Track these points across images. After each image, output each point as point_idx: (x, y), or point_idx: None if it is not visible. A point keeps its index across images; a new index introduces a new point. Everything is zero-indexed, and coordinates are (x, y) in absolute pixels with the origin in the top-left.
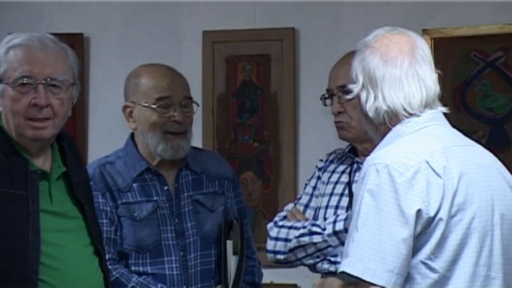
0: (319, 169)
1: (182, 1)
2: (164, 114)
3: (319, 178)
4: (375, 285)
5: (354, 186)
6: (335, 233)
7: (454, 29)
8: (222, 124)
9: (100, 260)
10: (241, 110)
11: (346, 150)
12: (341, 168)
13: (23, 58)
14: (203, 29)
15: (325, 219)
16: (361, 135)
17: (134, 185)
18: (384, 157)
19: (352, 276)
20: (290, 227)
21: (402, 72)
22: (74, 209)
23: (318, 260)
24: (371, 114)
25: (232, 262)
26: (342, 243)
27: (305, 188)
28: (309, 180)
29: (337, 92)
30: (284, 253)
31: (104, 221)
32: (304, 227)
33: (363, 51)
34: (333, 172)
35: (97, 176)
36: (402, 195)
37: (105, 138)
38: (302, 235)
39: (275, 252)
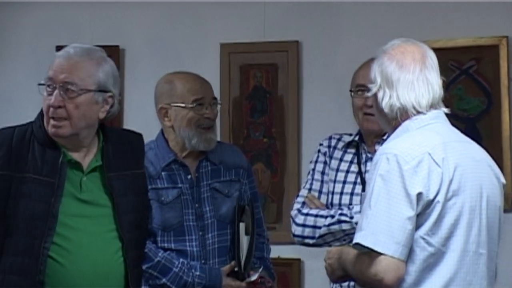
0: (324, 154)
1: (203, 18)
2: (198, 111)
3: (325, 163)
4: (384, 254)
5: (366, 175)
6: None
7: (434, 41)
8: (237, 123)
9: (122, 245)
10: (253, 110)
11: (356, 138)
12: (348, 157)
13: (52, 65)
14: (221, 42)
15: (343, 205)
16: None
17: (162, 173)
18: (394, 148)
19: (365, 247)
20: (316, 215)
21: (414, 76)
22: (105, 198)
23: (344, 242)
24: (386, 110)
25: (244, 241)
26: None
27: (313, 174)
28: (314, 164)
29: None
30: (313, 238)
31: None
32: (333, 216)
33: (382, 57)
34: (341, 160)
35: None
36: (407, 180)
37: None
38: (332, 224)
39: (304, 237)
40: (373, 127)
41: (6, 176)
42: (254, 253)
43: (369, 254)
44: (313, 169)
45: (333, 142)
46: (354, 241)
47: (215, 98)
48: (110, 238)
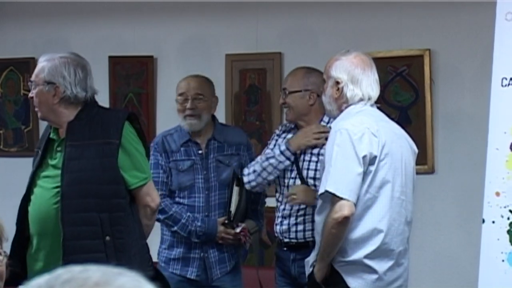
0: (277, 135)
1: (214, 35)
2: (182, 104)
3: (276, 140)
4: (342, 198)
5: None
6: (281, 152)
7: (377, 52)
8: (237, 111)
9: (61, 197)
10: (249, 102)
11: (293, 126)
12: (289, 135)
13: None
14: (226, 53)
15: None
16: (296, 117)
17: (181, 149)
18: (344, 125)
19: (330, 193)
20: (254, 163)
21: (370, 77)
22: (62, 162)
23: (276, 176)
24: (348, 98)
25: (234, 201)
26: (287, 158)
27: (267, 146)
28: (270, 142)
29: (282, 90)
30: (254, 180)
31: (160, 171)
32: (261, 158)
33: (345, 62)
34: (284, 138)
35: (159, 142)
36: (356, 146)
37: (166, 125)
38: (263, 161)
39: (249, 182)
40: (288, 118)
41: (36, 152)
42: (242, 209)
43: (333, 200)
44: (267, 144)
45: (284, 128)
46: (324, 189)
47: (198, 94)
48: (55, 192)
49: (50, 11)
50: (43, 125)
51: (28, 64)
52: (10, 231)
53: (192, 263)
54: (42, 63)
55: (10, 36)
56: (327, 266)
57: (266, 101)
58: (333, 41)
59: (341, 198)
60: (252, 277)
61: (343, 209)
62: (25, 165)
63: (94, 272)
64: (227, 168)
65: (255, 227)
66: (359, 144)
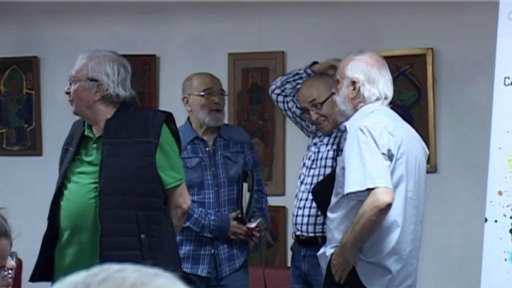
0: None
1: (216, 35)
2: (208, 98)
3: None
4: (379, 187)
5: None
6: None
7: (380, 51)
8: (240, 110)
9: (99, 193)
10: (251, 101)
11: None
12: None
13: None
14: (228, 52)
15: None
16: (334, 125)
17: (188, 147)
18: (364, 123)
19: (371, 189)
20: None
21: (385, 76)
22: (99, 159)
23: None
24: (366, 97)
25: (246, 196)
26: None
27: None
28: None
29: (310, 106)
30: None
31: None
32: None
33: (360, 62)
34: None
35: None
36: (378, 143)
37: None
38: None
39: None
40: (327, 130)
41: (65, 149)
42: (253, 205)
43: (368, 193)
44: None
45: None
46: (362, 188)
47: (222, 90)
48: (91, 187)
49: (52, 10)
50: (46, 124)
51: (31, 63)
52: (15, 229)
53: (202, 260)
54: (84, 60)
55: (13, 35)
56: (353, 254)
57: (268, 100)
58: (336, 40)
59: (379, 187)
60: (256, 276)
61: (385, 196)
62: (28, 164)
63: (131, 272)
64: (234, 165)
65: (265, 224)
66: (380, 140)
